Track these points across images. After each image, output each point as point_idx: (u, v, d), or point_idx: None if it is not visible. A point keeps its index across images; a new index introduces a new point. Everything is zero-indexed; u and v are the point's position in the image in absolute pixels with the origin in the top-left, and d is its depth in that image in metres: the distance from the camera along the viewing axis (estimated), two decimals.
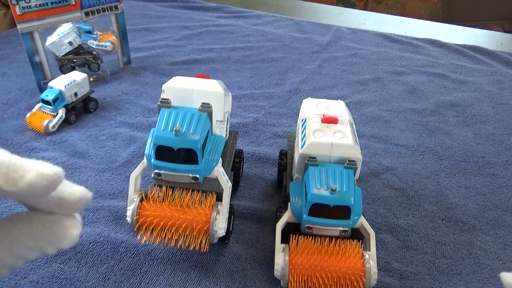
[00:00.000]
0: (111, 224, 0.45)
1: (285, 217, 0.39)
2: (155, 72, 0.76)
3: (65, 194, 0.25)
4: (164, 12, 1.04)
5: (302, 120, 0.44)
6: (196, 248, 0.38)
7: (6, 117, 0.61)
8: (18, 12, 0.60)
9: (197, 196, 0.39)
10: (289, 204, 0.40)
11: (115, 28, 0.74)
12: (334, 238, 0.37)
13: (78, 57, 0.71)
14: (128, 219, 0.39)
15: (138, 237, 0.38)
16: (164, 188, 0.39)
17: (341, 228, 0.37)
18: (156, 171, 0.38)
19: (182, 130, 0.36)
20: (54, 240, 0.25)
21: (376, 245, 0.38)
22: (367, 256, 0.36)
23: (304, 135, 0.41)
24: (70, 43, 0.69)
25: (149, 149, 0.39)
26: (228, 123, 0.49)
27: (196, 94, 0.42)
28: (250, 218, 0.47)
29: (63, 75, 0.61)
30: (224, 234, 0.39)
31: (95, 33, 0.73)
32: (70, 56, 0.70)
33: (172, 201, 0.39)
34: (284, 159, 0.49)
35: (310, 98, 0.48)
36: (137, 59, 0.80)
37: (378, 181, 0.54)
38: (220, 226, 0.38)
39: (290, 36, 0.96)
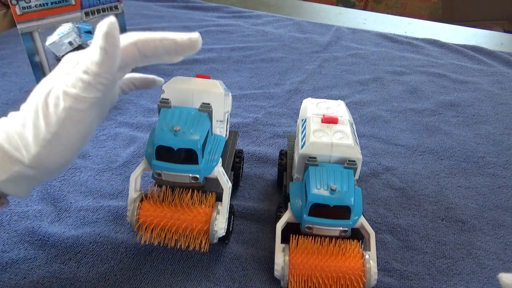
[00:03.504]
0: (111, 224, 0.45)
1: (285, 217, 0.39)
2: (155, 72, 0.76)
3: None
4: (164, 12, 1.04)
5: (302, 120, 0.44)
6: (196, 248, 0.38)
7: None
8: (18, 12, 0.60)
9: (197, 196, 0.39)
10: (289, 204, 0.40)
11: None
12: (334, 238, 0.37)
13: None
14: (128, 219, 0.39)
15: (138, 237, 0.38)
16: (164, 188, 0.39)
17: (341, 228, 0.37)
18: (156, 171, 0.38)
19: (182, 130, 0.36)
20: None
21: (376, 245, 0.38)
22: (367, 256, 0.37)
23: (304, 135, 0.41)
24: (70, 43, 0.69)
25: (149, 149, 0.39)
26: (228, 123, 0.49)
27: (196, 94, 0.42)
28: (250, 218, 0.47)
29: None
30: (224, 234, 0.39)
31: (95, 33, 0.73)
32: None
33: (172, 201, 0.39)
34: (284, 159, 0.49)
35: (310, 98, 0.48)
36: None
37: (378, 181, 0.54)
38: (220, 226, 0.38)
39: (290, 36, 0.96)
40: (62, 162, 0.35)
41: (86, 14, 0.68)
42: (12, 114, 0.35)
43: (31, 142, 0.33)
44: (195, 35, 0.36)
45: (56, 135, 0.32)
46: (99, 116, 0.37)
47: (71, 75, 0.33)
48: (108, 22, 0.31)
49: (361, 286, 0.36)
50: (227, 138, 0.49)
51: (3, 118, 0.35)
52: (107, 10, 0.71)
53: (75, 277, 0.39)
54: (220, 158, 0.40)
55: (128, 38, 0.35)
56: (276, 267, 0.37)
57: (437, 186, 0.54)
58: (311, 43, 0.93)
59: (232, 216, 0.43)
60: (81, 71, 0.32)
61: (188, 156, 0.37)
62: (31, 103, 0.33)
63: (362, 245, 0.38)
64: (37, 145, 0.32)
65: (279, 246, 0.38)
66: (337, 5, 2.16)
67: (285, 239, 0.38)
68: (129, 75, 0.43)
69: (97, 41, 0.31)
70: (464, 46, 0.95)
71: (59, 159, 0.34)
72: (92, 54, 0.32)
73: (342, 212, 0.36)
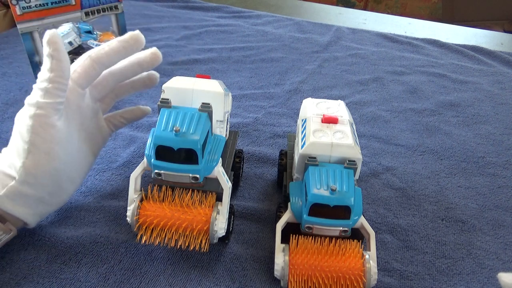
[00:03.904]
0: (111, 224, 0.45)
1: (285, 217, 0.39)
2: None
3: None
4: (164, 12, 1.04)
5: (302, 120, 0.44)
6: (196, 248, 0.38)
7: (6, 117, 0.61)
8: (18, 12, 0.60)
9: (197, 196, 0.39)
10: (289, 204, 0.40)
11: (115, 28, 0.74)
12: (334, 238, 0.37)
13: (78, 57, 0.71)
14: (128, 219, 0.39)
15: (138, 237, 0.38)
16: (164, 188, 0.39)
17: (341, 228, 0.37)
18: (156, 171, 0.38)
19: (182, 130, 0.36)
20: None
21: (376, 245, 0.38)
22: (367, 256, 0.37)
23: (304, 135, 0.41)
24: (70, 43, 0.69)
25: (149, 149, 0.39)
26: (228, 123, 0.49)
27: (196, 94, 0.42)
28: (250, 218, 0.47)
29: None
30: (224, 234, 0.39)
31: (95, 33, 0.73)
32: (70, 56, 0.70)
33: (172, 201, 0.39)
34: (284, 159, 0.49)
35: (310, 98, 0.48)
36: None
37: (378, 181, 0.54)
38: (220, 226, 0.38)
39: (290, 36, 0.96)
40: (51, 172, 0.38)
41: (86, 14, 0.68)
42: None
43: (15, 157, 0.37)
44: (135, 31, 0.42)
45: (31, 143, 0.36)
46: (88, 141, 0.44)
47: (32, 91, 0.37)
48: (48, 32, 0.36)
49: (361, 286, 0.36)
50: (227, 138, 0.49)
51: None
52: (107, 10, 0.71)
53: (75, 277, 0.39)
54: (220, 158, 0.40)
55: (83, 56, 0.42)
56: (276, 267, 0.37)
57: (437, 186, 0.54)
58: (311, 43, 0.93)
59: (232, 216, 0.43)
60: (38, 82, 0.37)
61: (188, 156, 0.37)
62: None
63: (362, 245, 0.38)
64: (20, 157, 0.36)
65: (279, 246, 0.38)
66: (337, 5, 2.16)
67: (285, 239, 0.38)
68: (118, 111, 0.50)
69: (44, 52, 0.36)
70: (464, 46, 0.95)
71: (46, 168, 0.37)
72: (44, 65, 0.37)
73: (342, 212, 0.36)
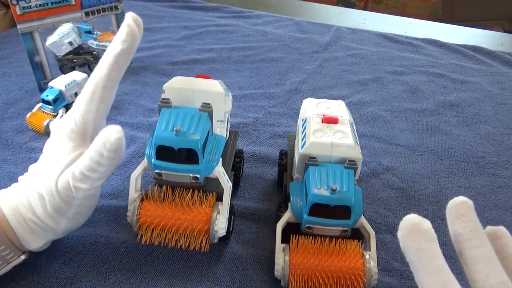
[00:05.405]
0: (112, 224, 0.45)
1: (285, 217, 0.39)
2: (155, 72, 0.76)
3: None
4: (164, 12, 1.04)
5: (302, 120, 0.44)
6: (197, 248, 0.38)
7: (6, 117, 0.61)
8: (18, 12, 0.60)
9: (197, 196, 0.39)
10: (289, 204, 0.40)
11: (115, 28, 0.74)
12: (334, 238, 0.38)
13: (78, 57, 0.71)
14: (129, 219, 0.39)
15: (139, 237, 0.38)
16: (164, 188, 0.40)
17: (341, 228, 0.37)
18: (156, 171, 0.38)
19: (182, 130, 0.36)
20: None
21: (376, 245, 0.38)
22: (367, 256, 0.37)
23: (304, 135, 0.41)
24: (70, 43, 0.69)
25: (149, 149, 0.39)
26: (229, 123, 0.49)
27: (196, 94, 0.42)
28: (250, 218, 0.47)
29: (63, 75, 0.61)
30: (224, 234, 0.39)
31: (95, 33, 0.73)
32: (70, 56, 0.70)
33: (173, 201, 0.39)
34: (284, 159, 0.49)
35: (310, 98, 0.48)
36: (137, 59, 0.80)
37: (378, 181, 0.54)
38: (221, 226, 0.38)
39: (290, 36, 0.96)
40: (83, 223, 0.40)
41: (86, 14, 0.68)
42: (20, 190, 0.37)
43: (58, 220, 0.36)
44: (129, 21, 0.41)
45: (77, 213, 0.37)
46: None
47: (78, 169, 0.34)
48: (115, 138, 0.32)
49: (361, 286, 0.36)
50: (227, 138, 0.49)
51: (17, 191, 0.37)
52: (107, 10, 0.71)
53: (76, 277, 0.39)
54: (221, 158, 0.40)
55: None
56: (276, 267, 0.37)
57: (437, 186, 0.54)
58: (311, 43, 0.93)
59: (233, 216, 0.43)
60: (87, 168, 0.34)
61: (189, 156, 0.37)
62: (43, 185, 0.36)
63: (362, 245, 0.38)
64: (66, 220, 0.37)
65: (279, 246, 0.38)
66: (337, 5, 2.16)
67: (285, 239, 0.38)
68: None
69: (105, 152, 0.33)
70: (464, 46, 0.95)
71: (82, 222, 0.40)
72: (99, 158, 0.33)
73: (342, 212, 0.36)
